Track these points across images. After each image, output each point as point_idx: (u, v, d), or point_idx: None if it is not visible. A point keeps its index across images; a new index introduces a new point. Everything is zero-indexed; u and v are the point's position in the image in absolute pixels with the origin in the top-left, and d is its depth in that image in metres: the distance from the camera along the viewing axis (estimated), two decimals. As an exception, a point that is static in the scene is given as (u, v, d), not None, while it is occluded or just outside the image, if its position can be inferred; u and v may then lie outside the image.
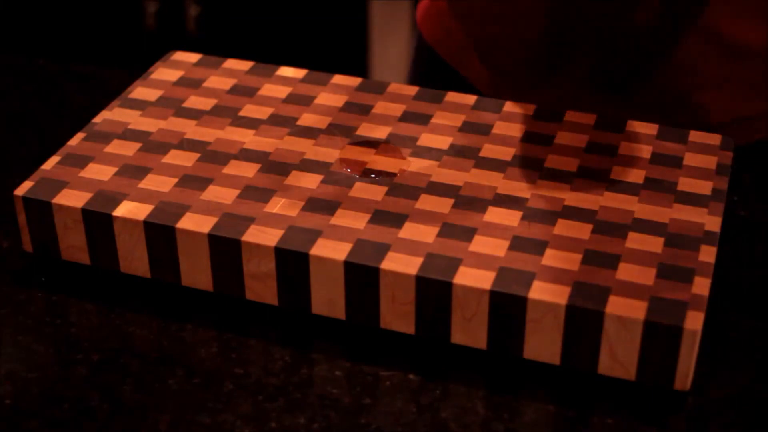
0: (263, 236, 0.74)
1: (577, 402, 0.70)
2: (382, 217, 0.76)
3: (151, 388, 0.71)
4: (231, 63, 0.95)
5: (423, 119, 0.87)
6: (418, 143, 0.84)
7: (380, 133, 0.85)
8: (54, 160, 0.82)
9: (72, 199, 0.78)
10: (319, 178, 0.80)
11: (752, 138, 0.96)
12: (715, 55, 0.92)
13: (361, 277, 0.72)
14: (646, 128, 0.86)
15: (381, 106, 0.89)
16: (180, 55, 0.96)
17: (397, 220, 0.76)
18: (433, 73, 1.07)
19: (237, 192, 0.78)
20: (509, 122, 0.86)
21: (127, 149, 0.83)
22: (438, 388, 0.71)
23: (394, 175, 0.80)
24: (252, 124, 0.87)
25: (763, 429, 0.68)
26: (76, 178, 0.80)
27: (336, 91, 0.91)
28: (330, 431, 0.68)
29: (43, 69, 1.07)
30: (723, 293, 0.77)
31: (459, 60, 1.05)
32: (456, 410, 0.69)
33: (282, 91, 0.91)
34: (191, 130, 0.86)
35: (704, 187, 0.79)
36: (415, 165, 0.82)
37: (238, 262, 0.75)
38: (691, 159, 0.83)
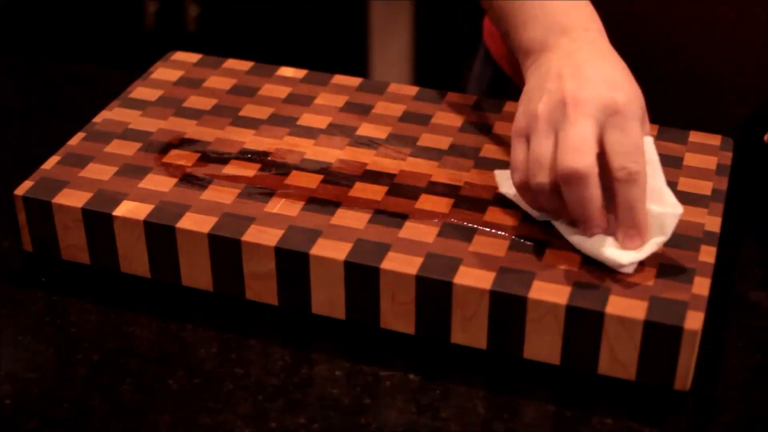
0: (263, 236, 0.74)
1: (577, 402, 0.70)
2: (382, 217, 0.76)
3: (151, 388, 0.71)
4: (231, 63, 0.95)
5: (423, 119, 0.87)
6: (418, 143, 0.84)
7: (380, 133, 0.85)
8: (54, 159, 0.82)
9: (72, 198, 0.78)
10: (319, 178, 0.80)
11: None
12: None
13: (361, 277, 0.72)
14: (646, 128, 0.86)
15: (381, 106, 0.89)
16: (180, 55, 0.96)
17: (397, 220, 0.76)
18: (498, 86, 1.08)
19: (237, 192, 0.78)
20: (509, 122, 0.86)
21: (127, 149, 0.83)
22: (438, 388, 0.71)
23: (394, 175, 0.80)
24: (252, 124, 0.86)
25: (763, 429, 0.68)
26: (76, 178, 0.80)
27: (336, 91, 0.91)
28: (330, 431, 0.68)
29: (43, 69, 1.07)
30: (723, 293, 0.77)
31: (520, 77, 1.07)
32: (456, 410, 0.69)
33: (282, 91, 0.91)
34: (191, 130, 0.86)
35: (704, 187, 0.79)
36: (415, 165, 0.82)
37: (238, 262, 0.75)
38: (691, 159, 0.82)
